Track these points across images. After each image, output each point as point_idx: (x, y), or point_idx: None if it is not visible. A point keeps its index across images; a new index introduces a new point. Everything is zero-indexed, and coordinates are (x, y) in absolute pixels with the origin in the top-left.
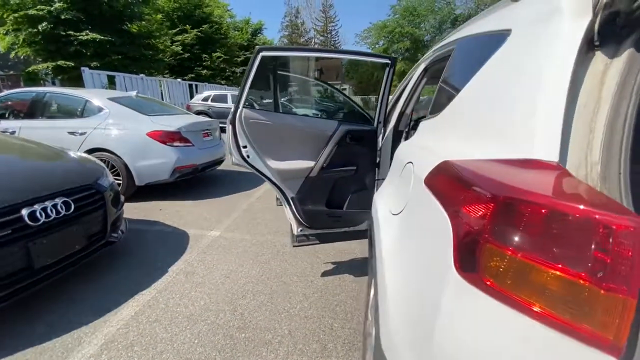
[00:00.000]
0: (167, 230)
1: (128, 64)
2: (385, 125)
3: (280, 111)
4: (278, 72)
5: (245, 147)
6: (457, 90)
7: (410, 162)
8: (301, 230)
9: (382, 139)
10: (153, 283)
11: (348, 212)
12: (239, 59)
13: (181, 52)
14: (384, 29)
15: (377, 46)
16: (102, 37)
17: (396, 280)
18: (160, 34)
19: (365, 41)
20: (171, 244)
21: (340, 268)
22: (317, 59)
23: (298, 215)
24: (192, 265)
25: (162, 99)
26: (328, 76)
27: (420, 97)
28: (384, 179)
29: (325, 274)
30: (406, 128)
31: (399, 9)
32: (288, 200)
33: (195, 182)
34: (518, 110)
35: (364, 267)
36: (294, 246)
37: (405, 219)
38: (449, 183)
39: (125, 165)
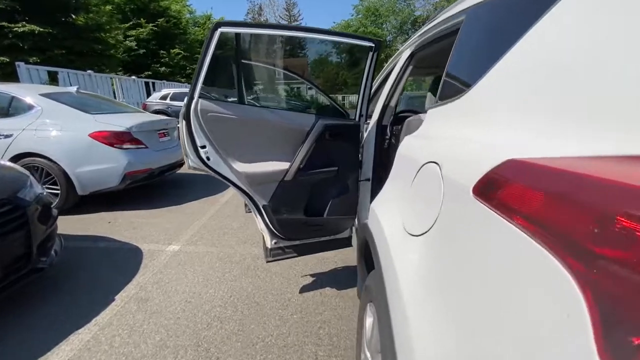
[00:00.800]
0: (115, 247)
1: (74, 60)
2: (367, 120)
3: (247, 103)
4: (242, 60)
5: (204, 147)
6: (487, 66)
7: (434, 163)
8: (275, 243)
9: (364, 134)
10: (95, 316)
11: (330, 220)
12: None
13: (136, 47)
14: (348, 28)
15: (342, 46)
16: (42, 30)
17: (436, 333)
18: (111, 27)
19: None
20: (120, 263)
21: (320, 281)
22: (284, 56)
23: (271, 226)
24: (146, 290)
25: (115, 98)
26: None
27: (404, 93)
28: (367, 180)
29: (304, 289)
30: (390, 122)
31: (361, 9)
32: (259, 209)
33: (152, 188)
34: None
35: (346, 278)
36: (267, 261)
37: (441, 245)
38: (547, 199)
39: (64, 173)
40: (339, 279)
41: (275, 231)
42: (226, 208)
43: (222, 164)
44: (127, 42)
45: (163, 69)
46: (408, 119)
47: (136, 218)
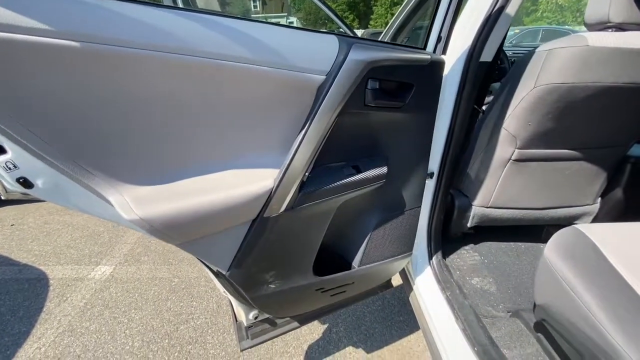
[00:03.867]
0: (7, 278)
1: None
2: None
3: None
4: None
5: (1, 150)
6: None
7: None
8: (256, 317)
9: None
10: None
11: (365, 271)
12: None
13: None
14: None
15: None
16: None
17: None
18: None
19: None
20: (4, 313)
21: (336, 339)
22: None
23: (246, 300)
24: None
25: None
26: (271, 7)
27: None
28: (429, 176)
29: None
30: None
31: None
32: (214, 273)
33: None
34: None
35: (380, 329)
36: (242, 349)
37: None
38: None
39: None
40: (369, 331)
41: (253, 304)
42: None
43: (73, 193)
44: None
45: None
46: None
47: (55, 215)
